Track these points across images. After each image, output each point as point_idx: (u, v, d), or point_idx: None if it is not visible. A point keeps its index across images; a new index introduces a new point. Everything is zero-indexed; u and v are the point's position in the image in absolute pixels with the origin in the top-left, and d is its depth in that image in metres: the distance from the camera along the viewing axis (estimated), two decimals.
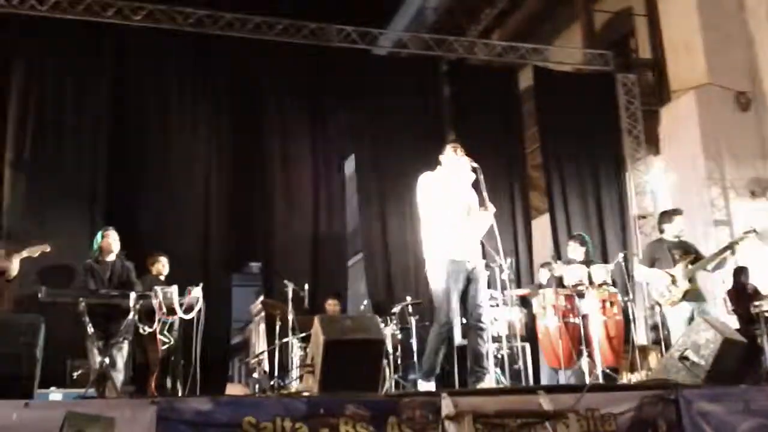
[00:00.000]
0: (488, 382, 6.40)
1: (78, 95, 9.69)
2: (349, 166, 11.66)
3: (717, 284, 9.68)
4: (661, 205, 11.61)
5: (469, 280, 6.37)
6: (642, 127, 12.15)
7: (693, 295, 7.82)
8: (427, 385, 6.33)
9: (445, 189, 6.48)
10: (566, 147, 11.81)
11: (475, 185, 6.63)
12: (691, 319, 7.43)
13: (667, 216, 8.34)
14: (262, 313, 10.80)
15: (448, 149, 6.69)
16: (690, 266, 7.87)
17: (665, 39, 12.77)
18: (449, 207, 6.42)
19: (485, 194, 6.55)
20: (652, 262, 8.11)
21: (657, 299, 8.06)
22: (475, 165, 6.55)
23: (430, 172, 6.62)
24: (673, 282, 7.80)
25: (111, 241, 7.86)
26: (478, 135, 11.36)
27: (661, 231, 8.31)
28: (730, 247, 8.04)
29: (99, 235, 7.95)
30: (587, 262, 8.70)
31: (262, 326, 11.15)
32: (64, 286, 7.83)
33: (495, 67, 12.36)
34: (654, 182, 12.14)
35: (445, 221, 6.38)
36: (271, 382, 8.63)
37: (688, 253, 8.02)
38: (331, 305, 9.72)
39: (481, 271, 6.53)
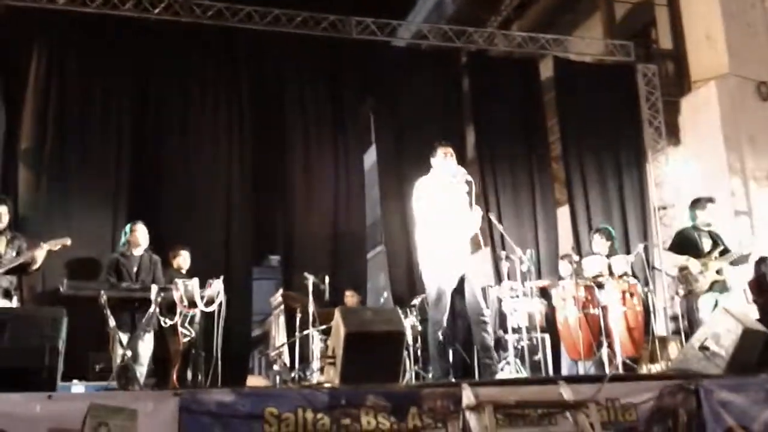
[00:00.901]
0: (501, 370, 6.49)
1: (100, 88, 9.72)
2: (369, 158, 11.66)
3: (738, 275, 9.63)
4: (681, 195, 11.55)
5: (463, 280, 6.53)
6: (662, 117, 12.05)
7: (719, 285, 7.81)
8: None
9: (438, 193, 6.65)
10: (586, 138, 11.75)
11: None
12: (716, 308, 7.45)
13: (699, 204, 8.29)
14: (282, 306, 10.84)
15: (439, 153, 6.83)
16: (719, 257, 7.85)
17: (686, 29, 12.69)
18: (443, 211, 6.59)
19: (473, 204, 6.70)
20: (681, 250, 8.07)
21: (683, 287, 8.02)
22: (470, 179, 6.73)
23: (425, 177, 6.82)
24: (702, 271, 7.79)
25: (139, 235, 7.95)
26: (499, 126, 11.38)
27: (693, 218, 8.26)
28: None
29: (128, 228, 8.05)
30: (611, 256, 8.71)
31: (282, 318, 11.19)
32: (90, 279, 7.89)
33: (515, 58, 12.31)
34: (674, 173, 12.07)
35: (439, 225, 6.55)
36: (292, 374, 8.67)
37: (717, 243, 8.00)
38: (349, 297, 9.74)
39: (473, 268, 6.69)
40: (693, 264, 7.84)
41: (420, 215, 6.73)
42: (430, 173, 6.86)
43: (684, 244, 8.12)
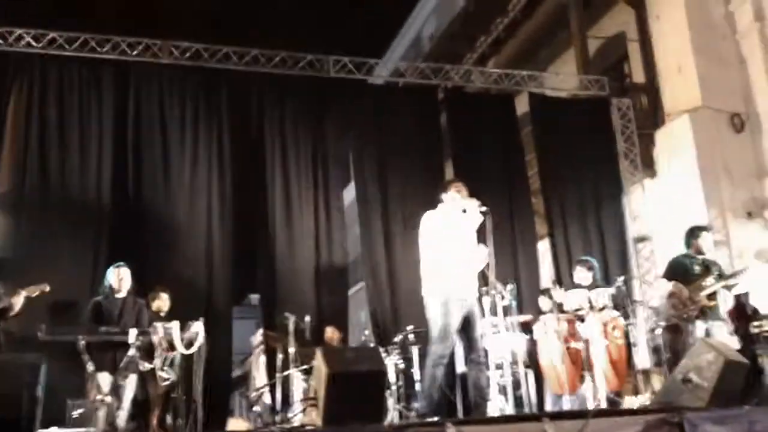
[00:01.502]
0: (491, 411, 6.46)
1: (78, 130, 9.72)
2: (348, 194, 11.67)
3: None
4: (659, 228, 11.63)
5: (468, 317, 6.56)
6: (638, 150, 12.15)
7: (710, 313, 7.82)
8: None
9: (446, 227, 6.67)
10: (564, 172, 11.82)
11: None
12: (707, 336, 7.46)
13: (694, 232, 8.32)
14: (263, 346, 10.75)
15: (452, 188, 6.87)
16: (710, 283, 7.86)
17: (658, 63, 12.86)
18: (450, 245, 6.60)
19: (490, 238, 6.72)
20: (673, 277, 8.09)
21: (672, 314, 8.02)
22: (485, 209, 6.73)
23: (432, 211, 6.82)
24: (691, 297, 7.80)
25: (121, 278, 7.87)
26: (478, 161, 11.41)
27: (688, 246, 8.29)
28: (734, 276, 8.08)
29: (110, 271, 7.95)
30: (594, 287, 8.72)
31: (263, 358, 11.08)
32: (70, 323, 7.80)
33: (491, 94, 12.41)
34: (651, 205, 12.15)
35: (446, 259, 6.55)
36: (274, 416, 8.57)
37: (710, 270, 8.03)
38: (330, 333, 9.69)
39: (477, 307, 6.76)
40: (681, 289, 7.86)
41: (425, 249, 6.74)
42: (437, 207, 6.88)
43: (674, 270, 8.15)
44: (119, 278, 7.85)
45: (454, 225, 6.70)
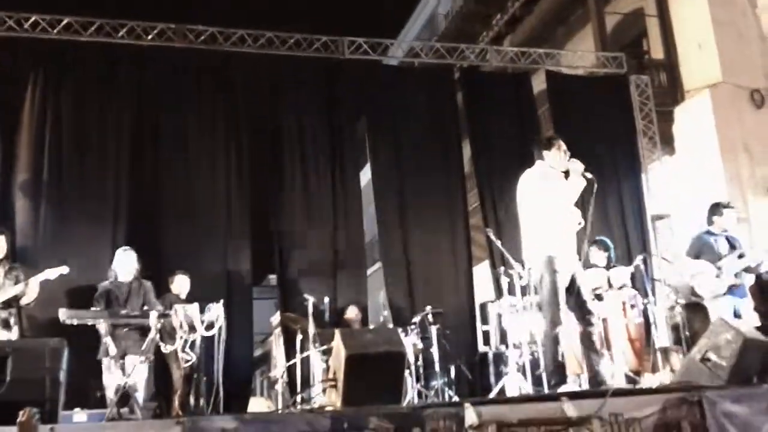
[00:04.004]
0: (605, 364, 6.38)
1: (95, 116, 9.76)
2: (365, 175, 11.66)
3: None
4: (678, 205, 11.55)
5: (574, 280, 6.36)
6: (657, 128, 12.00)
7: (737, 290, 7.78)
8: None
9: (547, 186, 6.42)
10: (582, 150, 11.56)
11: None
12: (734, 314, 7.42)
13: (717, 209, 8.22)
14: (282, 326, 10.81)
15: (554, 146, 6.59)
16: (736, 261, 7.81)
17: (677, 39, 12.75)
18: (552, 203, 6.35)
19: (591, 208, 6.59)
20: (698, 254, 8.04)
21: (699, 292, 7.98)
22: (590, 176, 6.49)
23: (531, 170, 6.57)
24: (718, 275, 7.75)
25: (120, 261, 8.13)
26: (495, 140, 11.37)
27: (710, 223, 8.20)
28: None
29: (116, 255, 8.16)
30: (609, 267, 8.69)
31: (282, 338, 11.16)
32: (90, 307, 7.90)
33: (508, 73, 12.32)
34: (670, 183, 12.06)
35: (548, 219, 6.33)
36: (294, 397, 8.64)
37: (734, 247, 7.97)
38: (352, 313, 9.71)
39: (580, 266, 6.52)
40: (709, 268, 7.82)
41: (526, 209, 6.53)
42: (536, 166, 6.61)
43: (700, 248, 8.08)
44: (119, 262, 8.11)
45: (556, 185, 6.41)
